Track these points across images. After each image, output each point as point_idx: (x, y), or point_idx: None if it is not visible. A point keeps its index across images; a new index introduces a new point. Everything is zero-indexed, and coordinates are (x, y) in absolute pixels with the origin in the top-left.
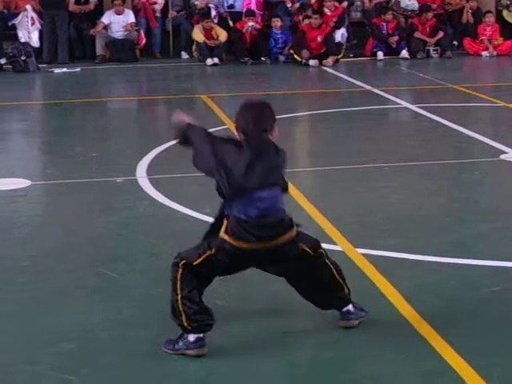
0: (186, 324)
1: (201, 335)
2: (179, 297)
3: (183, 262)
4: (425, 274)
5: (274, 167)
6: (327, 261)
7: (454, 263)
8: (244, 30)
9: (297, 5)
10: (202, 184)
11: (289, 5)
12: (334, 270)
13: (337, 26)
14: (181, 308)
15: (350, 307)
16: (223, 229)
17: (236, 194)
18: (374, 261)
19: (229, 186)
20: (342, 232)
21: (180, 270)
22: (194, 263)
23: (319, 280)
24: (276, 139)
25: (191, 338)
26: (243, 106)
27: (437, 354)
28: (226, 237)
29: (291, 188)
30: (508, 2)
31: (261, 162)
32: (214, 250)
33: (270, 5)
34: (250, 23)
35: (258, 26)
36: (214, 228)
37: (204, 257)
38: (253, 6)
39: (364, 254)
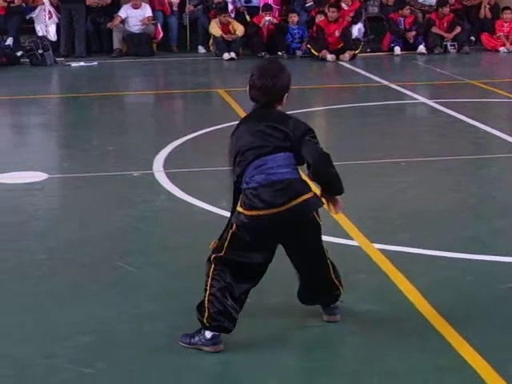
0: (205, 321)
1: (217, 333)
2: (207, 293)
3: (214, 255)
4: (441, 270)
5: (278, 134)
6: (328, 260)
7: (471, 259)
8: (261, 25)
9: None
10: (218, 178)
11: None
12: (332, 270)
13: (354, 21)
14: (206, 304)
15: (337, 303)
16: (239, 203)
17: (244, 167)
18: (391, 256)
19: (237, 162)
20: (358, 227)
21: (212, 265)
22: (223, 252)
23: (316, 271)
24: (283, 107)
25: (208, 334)
26: (258, 73)
27: (453, 349)
28: (240, 209)
29: None
30: None
31: (264, 130)
32: (234, 227)
33: None
34: (267, 18)
35: (275, 21)
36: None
37: (229, 238)
38: (270, 1)
39: (380, 250)
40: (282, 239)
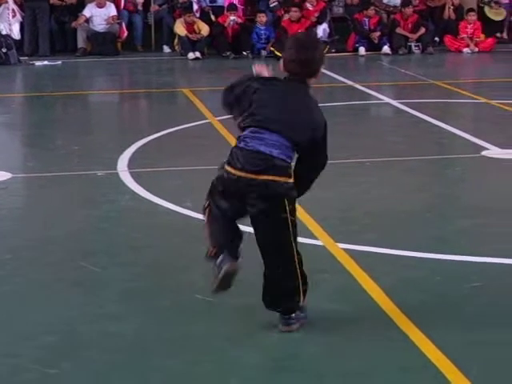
0: (211, 254)
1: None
2: (209, 230)
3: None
4: (406, 270)
5: (294, 122)
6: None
7: (435, 259)
8: (226, 25)
9: None
10: (183, 178)
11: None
12: (299, 275)
13: (319, 22)
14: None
15: (293, 314)
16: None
17: (244, 126)
18: (355, 256)
19: (248, 117)
20: (322, 227)
21: (205, 214)
22: (206, 202)
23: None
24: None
25: (219, 260)
26: (297, 46)
27: (417, 348)
28: (224, 160)
29: None
30: None
31: (281, 109)
32: (215, 179)
33: None
34: (232, 17)
35: (239, 21)
36: None
37: (210, 189)
38: (235, 1)
39: (345, 249)
40: (246, 208)
